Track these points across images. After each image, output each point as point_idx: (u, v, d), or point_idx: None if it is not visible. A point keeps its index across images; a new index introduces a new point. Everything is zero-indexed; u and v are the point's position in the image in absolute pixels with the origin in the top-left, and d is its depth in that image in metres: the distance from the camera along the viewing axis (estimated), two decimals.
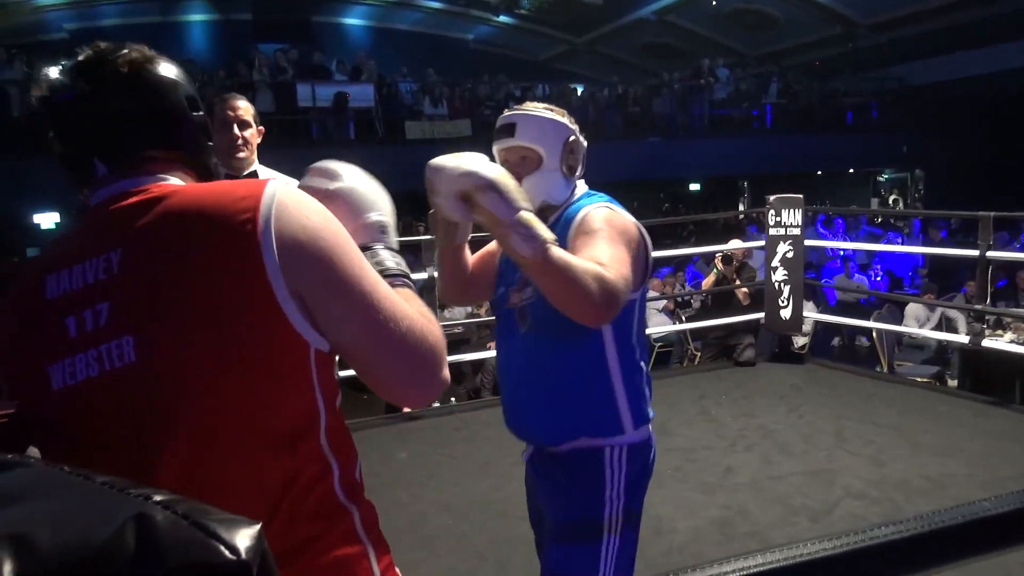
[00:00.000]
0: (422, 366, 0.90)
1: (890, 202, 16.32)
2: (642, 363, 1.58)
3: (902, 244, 9.58)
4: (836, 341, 7.99)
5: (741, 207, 16.53)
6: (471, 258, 1.71)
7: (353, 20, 17.25)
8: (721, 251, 5.44)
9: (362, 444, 0.92)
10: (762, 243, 5.16)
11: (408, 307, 0.91)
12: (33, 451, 0.86)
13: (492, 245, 1.74)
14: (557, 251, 1.26)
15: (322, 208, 0.89)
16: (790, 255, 4.90)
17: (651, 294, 7.71)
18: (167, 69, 0.94)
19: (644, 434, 1.57)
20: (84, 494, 0.53)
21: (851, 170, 16.29)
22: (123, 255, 0.83)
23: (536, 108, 1.61)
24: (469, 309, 6.53)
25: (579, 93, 13.70)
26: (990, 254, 4.24)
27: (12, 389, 0.87)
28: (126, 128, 0.90)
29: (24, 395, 0.85)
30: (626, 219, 1.53)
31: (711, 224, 12.78)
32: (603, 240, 1.42)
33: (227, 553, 0.48)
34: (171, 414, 0.80)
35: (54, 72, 0.90)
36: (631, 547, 1.54)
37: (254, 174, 2.46)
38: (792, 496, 3.00)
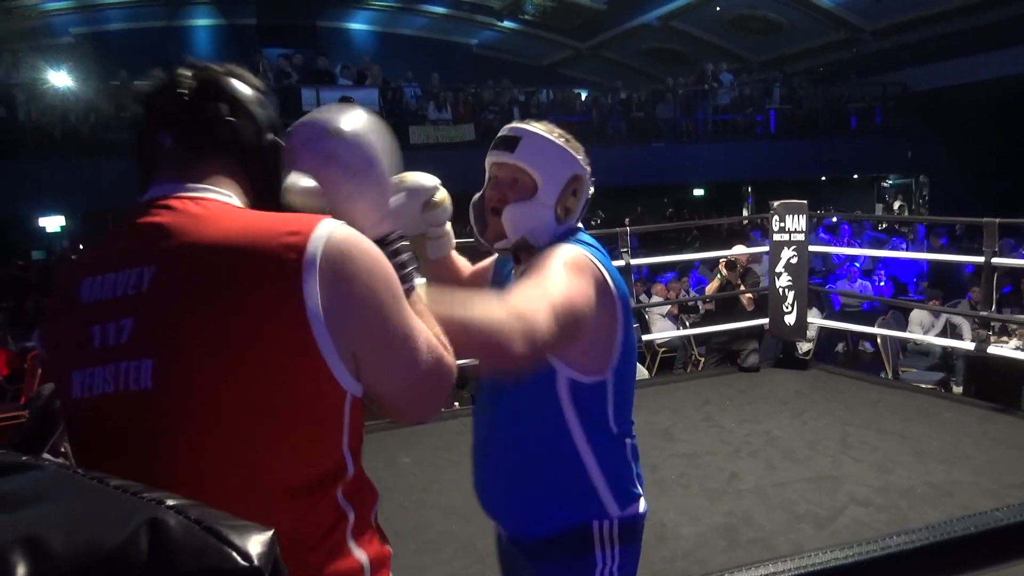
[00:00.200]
0: (434, 399, 0.92)
1: (895, 208, 16.29)
2: (628, 439, 1.37)
3: (907, 250, 9.55)
4: (841, 347, 7.98)
5: (745, 212, 16.52)
6: (464, 272, 1.58)
7: (357, 25, 17.29)
8: (725, 256, 5.44)
9: (365, 448, 0.92)
10: (766, 248, 5.15)
11: (432, 339, 0.90)
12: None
13: (486, 262, 1.59)
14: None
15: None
16: (794, 260, 4.89)
17: (655, 299, 7.71)
18: (251, 86, 0.94)
19: (634, 511, 1.35)
20: (98, 498, 0.53)
21: (855, 175, 16.27)
22: (156, 273, 0.80)
23: (550, 131, 1.39)
24: None
25: (583, 98, 13.72)
26: (995, 260, 4.24)
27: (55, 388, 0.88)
28: (200, 116, 0.89)
29: (59, 396, 0.86)
30: (591, 261, 1.27)
31: (715, 229, 12.76)
32: (543, 274, 1.20)
33: (239, 559, 0.48)
34: (181, 449, 0.78)
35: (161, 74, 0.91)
36: None
37: None
38: (796, 502, 3.00)
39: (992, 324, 4.88)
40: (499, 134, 1.40)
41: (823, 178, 15.76)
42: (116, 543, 0.47)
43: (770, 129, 14.11)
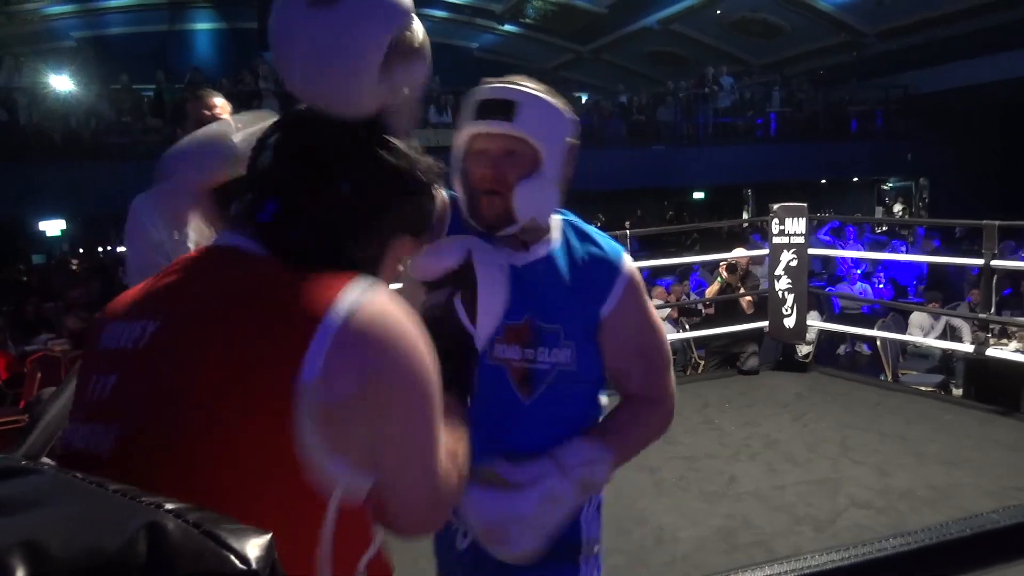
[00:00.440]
0: (434, 519, 0.84)
1: (895, 210, 16.30)
2: None
3: (906, 252, 9.55)
4: (841, 350, 7.98)
5: (745, 215, 16.53)
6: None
7: None
8: (725, 259, 5.44)
9: None
10: (766, 251, 5.16)
11: (450, 453, 0.81)
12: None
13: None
14: (618, 449, 1.18)
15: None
16: (794, 263, 4.89)
17: (656, 302, 7.71)
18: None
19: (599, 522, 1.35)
20: (97, 502, 0.53)
21: (855, 178, 16.28)
22: (158, 330, 0.71)
23: (537, 88, 1.18)
24: None
25: (584, 101, 13.75)
26: (995, 263, 4.24)
27: None
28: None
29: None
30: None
31: (715, 232, 12.74)
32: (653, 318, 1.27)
33: (237, 562, 0.48)
34: None
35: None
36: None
37: None
38: (796, 505, 3.00)
39: (992, 326, 4.88)
40: (483, 96, 1.16)
41: (823, 181, 15.78)
42: (115, 547, 0.47)
43: (770, 132, 14.15)
